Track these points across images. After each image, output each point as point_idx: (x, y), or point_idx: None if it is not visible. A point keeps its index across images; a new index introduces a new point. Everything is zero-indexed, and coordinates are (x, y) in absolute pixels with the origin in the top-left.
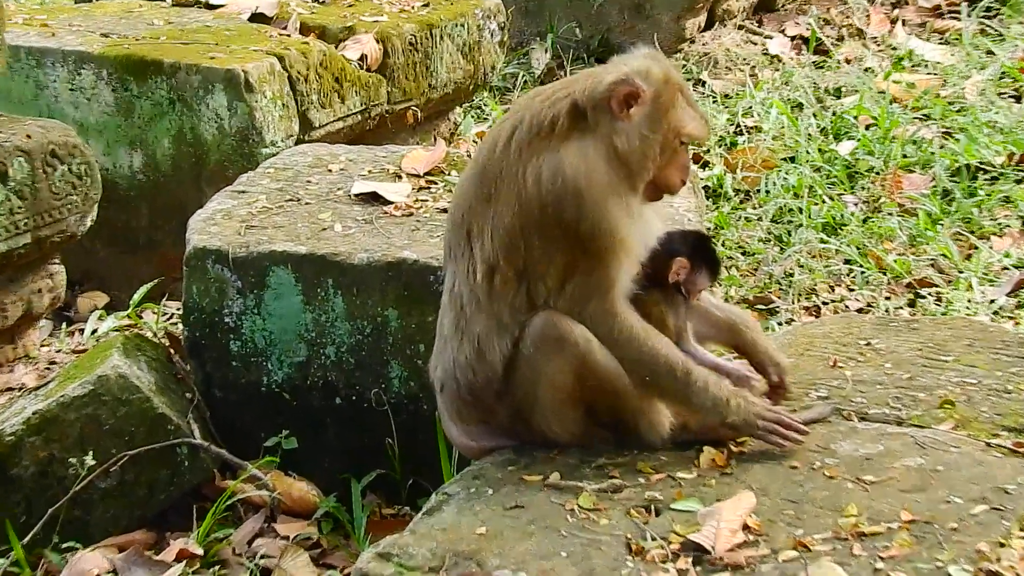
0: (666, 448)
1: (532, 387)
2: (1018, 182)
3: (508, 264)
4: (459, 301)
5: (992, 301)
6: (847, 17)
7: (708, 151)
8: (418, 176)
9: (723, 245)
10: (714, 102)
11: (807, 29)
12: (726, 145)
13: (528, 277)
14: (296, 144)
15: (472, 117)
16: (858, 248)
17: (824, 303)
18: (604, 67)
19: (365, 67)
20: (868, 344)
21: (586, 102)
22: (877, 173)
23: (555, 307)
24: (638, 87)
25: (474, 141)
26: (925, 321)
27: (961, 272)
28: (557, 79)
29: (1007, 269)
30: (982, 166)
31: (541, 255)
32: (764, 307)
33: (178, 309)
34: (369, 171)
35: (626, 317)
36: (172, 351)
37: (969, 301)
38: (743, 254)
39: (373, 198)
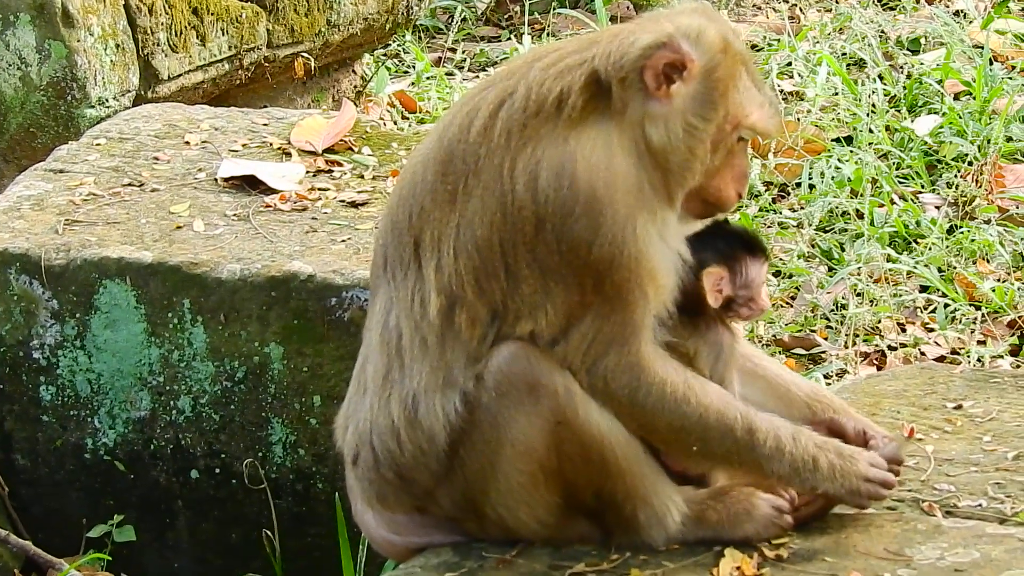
0: (672, 549)
1: (489, 454)
2: None
3: (478, 296)
4: (394, 341)
5: None
6: None
7: None
8: (315, 154)
9: None
10: None
11: None
12: None
13: (507, 317)
14: (136, 103)
15: (388, 69)
16: (941, 271)
17: (891, 347)
18: (637, 23)
19: None
20: (959, 408)
21: (610, 72)
22: (970, 163)
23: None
24: (685, 55)
25: (391, 105)
26: None
27: None
28: (511, 17)
29: None
30: None
31: (532, 288)
32: (805, 352)
33: None
34: (244, 145)
35: (657, 370)
36: None
37: None
38: (776, 275)
39: (249, 184)
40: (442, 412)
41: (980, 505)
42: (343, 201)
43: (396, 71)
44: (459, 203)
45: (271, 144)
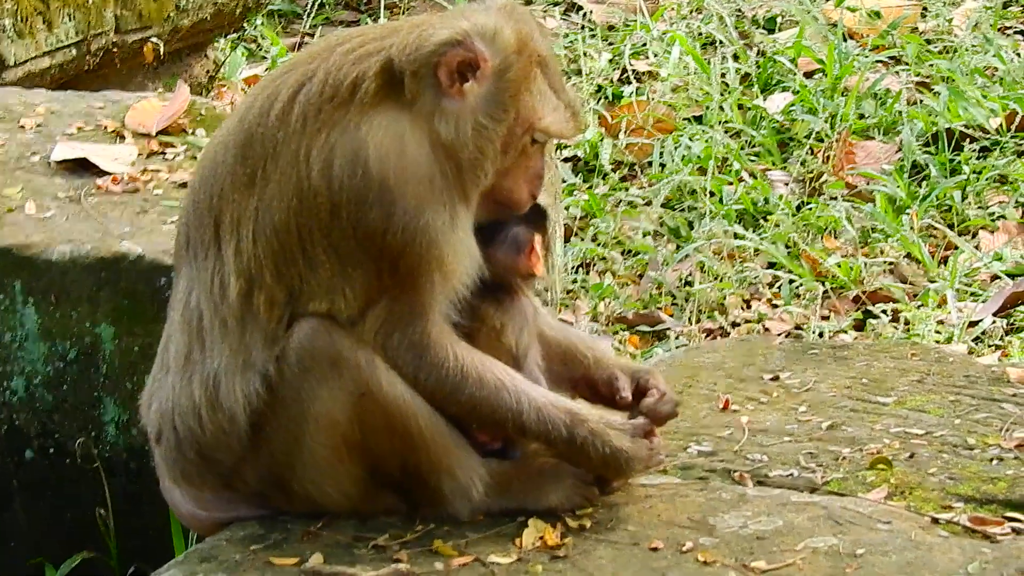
0: (476, 520)
1: (293, 430)
2: (1020, 155)
3: (276, 280)
4: (195, 322)
5: (974, 323)
6: None
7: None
8: (148, 136)
9: (593, 240)
10: (592, 36)
11: None
12: (607, 99)
13: (304, 300)
14: None
15: (242, 52)
16: (788, 247)
17: (735, 324)
18: (440, 16)
19: None
20: (776, 379)
21: (404, 64)
22: (820, 140)
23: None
24: (478, 53)
25: (243, 89)
26: (858, 347)
27: (933, 282)
28: (369, 0)
29: (998, 278)
30: (969, 131)
31: (329, 272)
32: (649, 329)
33: None
34: (79, 128)
35: (440, 350)
36: None
37: (940, 323)
38: (624, 253)
39: (82, 167)
40: (242, 393)
41: (791, 475)
42: (175, 183)
43: (250, 55)
44: (258, 187)
45: (106, 127)
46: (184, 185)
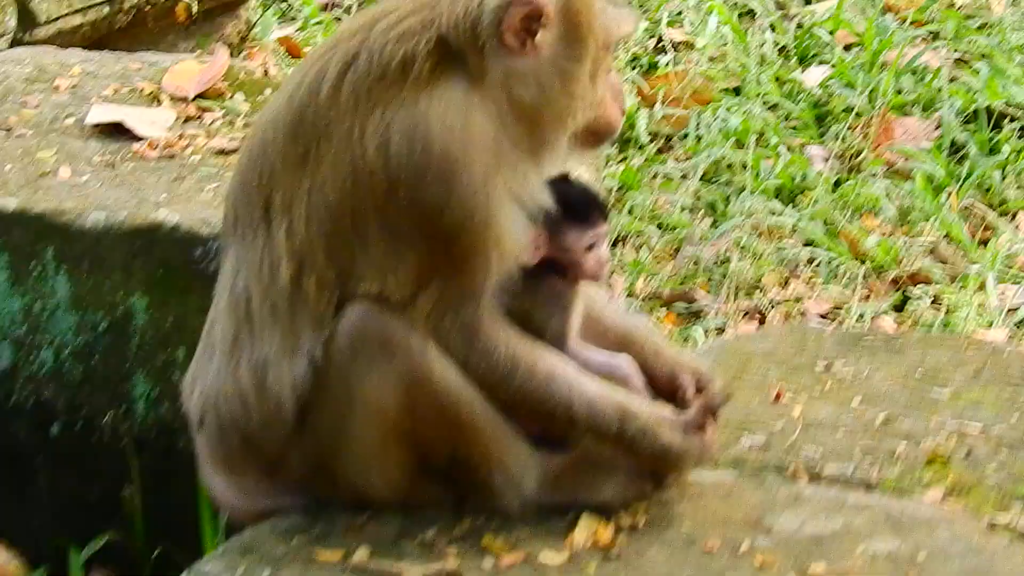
0: (528, 515)
1: (341, 415)
2: None
3: (329, 260)
4: (243, 305)
5: (1013, 310)
6: None
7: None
8: (186, 100)
9: (629, 213)
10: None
11: None
12: (641, 68)
13: (354, 282)
14: (11, 46)
15: (274, 14)
16: (826, 224)
17: (773, 304)
18: None
19: None
20: (828, 370)
21: (462, 41)
22: (858, 115)
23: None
24: (538, 2)
25: (275, 50)
26: (912, 338)
27: (973, 264)
28: None
29: None
30: (1010, 110)
31: (382, 252)
32: (685, 307)
33: None
34: (115, 90)
35: (491, 336)
36: None
37: (980, 307)
38: (659, 227)
39: (117, 131)
40: (290, 379)
41: (846, 471)
42: (212, 149)
43: (283, 16)
44: (310, 167)
45: (142, 90)
46: (223, 152)
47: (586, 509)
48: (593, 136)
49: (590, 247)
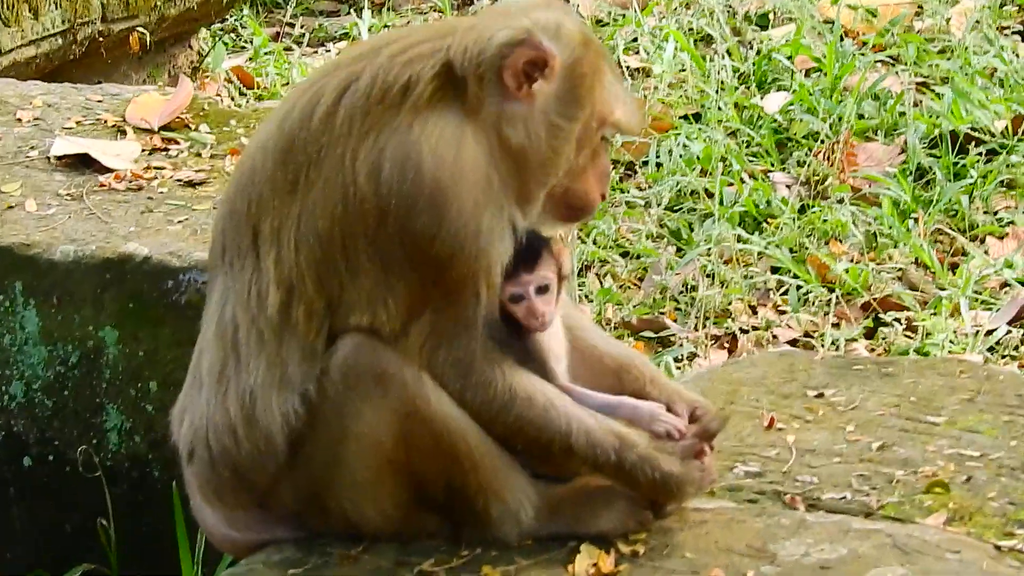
0: (525, 544)
1: (334, 449)
2: None
3: (318, 289)
4: (230, 334)
5: (987, 332)
6: None
7: None
8: (151, 131)
9: (594, 242)
10: None
11: None
12: None
13: (344, 313)
14: None
15: (225, 44)
16: (792, 251)
17: (743, 330)
18: (491, 15)
19: None
20: (820, 396)
21: (467, 68)
22: (821, 141)
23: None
24: (546, 51)
25: (228, 80)
26: (903, 363)
27: (943, 289)
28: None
29: (1008, 286)
30: (975, 134)
31: (372, 281)
32: (653, 335)
33: None
34: (77, 122)
35: (485, 369)
36: None
37: (955, 332)
38: (623, 256)
39: (83, 162)
40: (279, 411)
41: (844, 498)
42: (180, 180)
43: (233, 46)
44: (300, 194)
45: (105, 121)
46: (190, 184)
47: (586, 538)
48: (568, 209)
49: (517, 299)
